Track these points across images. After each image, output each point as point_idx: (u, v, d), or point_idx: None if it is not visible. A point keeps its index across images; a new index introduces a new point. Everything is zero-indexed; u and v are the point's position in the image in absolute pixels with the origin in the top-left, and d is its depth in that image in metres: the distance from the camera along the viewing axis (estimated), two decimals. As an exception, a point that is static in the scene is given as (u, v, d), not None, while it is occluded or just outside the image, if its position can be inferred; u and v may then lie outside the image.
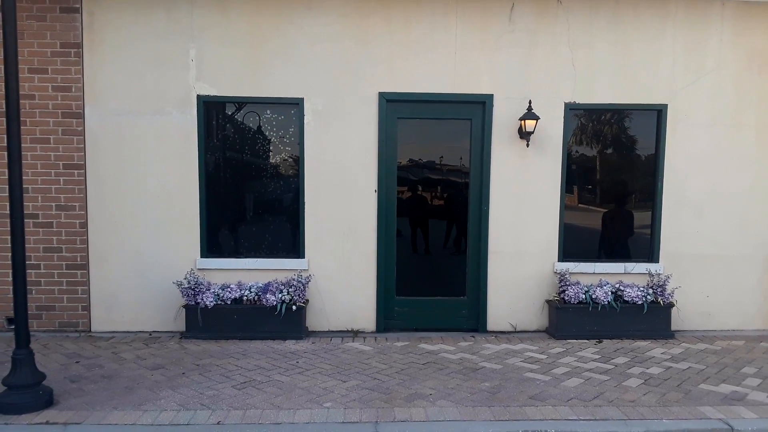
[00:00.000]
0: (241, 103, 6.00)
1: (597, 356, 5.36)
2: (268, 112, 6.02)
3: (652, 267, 6.20)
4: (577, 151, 6.28)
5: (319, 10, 5.82)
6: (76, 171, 5.79)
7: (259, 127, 6.09)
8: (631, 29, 6.01)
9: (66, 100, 5.71)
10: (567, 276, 6.02)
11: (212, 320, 5.71)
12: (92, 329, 5.99)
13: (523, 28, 5.96)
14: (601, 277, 6.20)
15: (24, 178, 5.60)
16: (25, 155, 5.66)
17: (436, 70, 5.95)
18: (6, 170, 4.56)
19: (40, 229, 5.81)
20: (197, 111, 5.86)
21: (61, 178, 5.78)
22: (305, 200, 6.03)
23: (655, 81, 6.08)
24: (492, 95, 6.02)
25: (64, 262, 5.85)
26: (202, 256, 5.99)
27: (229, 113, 6.07)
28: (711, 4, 6.00)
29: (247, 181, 6.11)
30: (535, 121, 5.90)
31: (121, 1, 5.72)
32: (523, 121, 5.93)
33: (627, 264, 6.23)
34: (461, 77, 5.98)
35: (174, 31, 5.78)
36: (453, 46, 5.94)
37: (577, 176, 6.30)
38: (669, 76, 6.08)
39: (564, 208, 6.20)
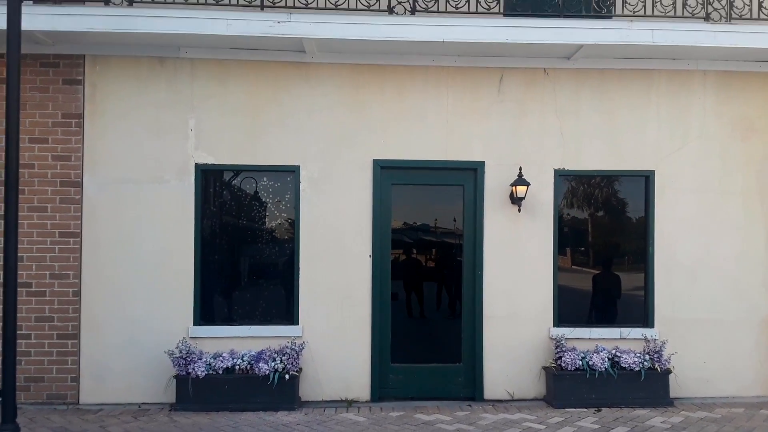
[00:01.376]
0: (238, 170, 6.11)
1: (596, 426, 5.26)
2: (265, 179, 6.13)
3: (647, 332, 6.16)
4: (568, 214, 6.38)
5: (315, 81, 6.02)
6: (71, 239, 5.80)
7: (256, 193, 6.18)
8: (616, 98, 6.22)
9: (65, 169, 5.79)
10: (563, 342, 5.97)
11: (203, 391, 5.59)
12: (80, 401, 5.83)
13: (512, 98, 6.16)
14: (597, 342, 6.15)
15: (19, 246, 5.59)
16: (21, 224, 5.62)
17: (429, 137, 6.11)
18: (2, 239, 4.59)
19: (33, 298, 5.76)
20: (195, 179, 5.95)
21: (56, 246, 5.79)
22: (300, 265, 6.04)
23: (642, 148, 6.24)
24: (483, 162, 6.16)
25: (55, 332, 5.77)
26: (194, 324, 5.93)
27: (227, 180, 6.17)
28: (692, 74, 6.24)
29: (243, 246, 6.14)
30: (525, 187, 6.02)
31: (124, 73, 5.91)
32: (514, 187, 6.05)
33: (622, 329, 6.19)
34: (453, 145, 6.13)
35: (174, 101, 5.94)
36: (445, 115, 6.12)
37: (569, 238, 6.37)
38: (655, 142, 6.25)
39: (558, 270, 6.22)
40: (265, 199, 6.16)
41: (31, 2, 5.24)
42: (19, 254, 5.58)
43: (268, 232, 6.17)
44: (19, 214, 5.56)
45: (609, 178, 6.34)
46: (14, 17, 4.31)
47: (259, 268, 6.17)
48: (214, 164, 5.98)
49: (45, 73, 5.76)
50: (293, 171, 6.05)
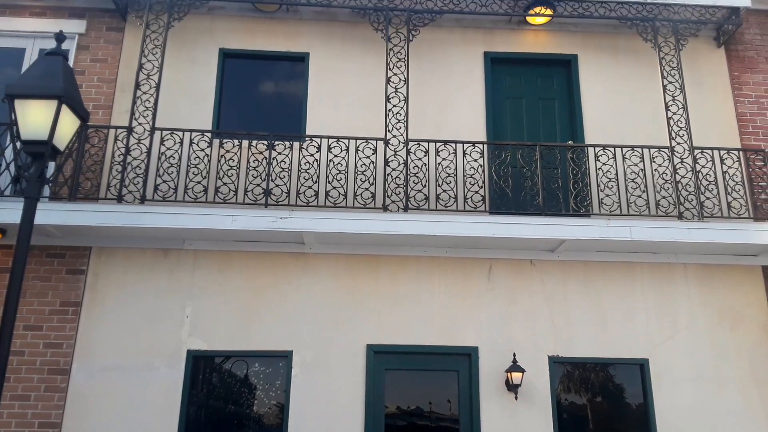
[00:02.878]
0: (230, 355, 6.06)
1: None
2: (257, 364, 6.07)
3: None
4: (566, 399, 6.23)
5: (312, 270, 6.24)
6: (50, 430, 5.56)
7: (246, 377, 6.07)
8: (602, 288, 6.40)
9: (55, 356, 5.73)
10: None
11: None
12: None
13: (502, 286, 6.34)
14: None
15: (-6, 438, 5.37)
16: (0, 413, 5.49)
17: (422, 323, 6.18)
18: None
19: (-3, 498, 5.38)
20: (186, 365, 5.88)
21: (33, 438, 5.54)
22: (288, 458, 5.74)
23: (633, 336, 6.29)
24: (477, 347, 6.16)
25: None
26: None
27: (217, 364, 6.09)
28: (674, 266, 6.50)
29: (229, 433, 5.89)
30: (521, 373, 5.96)
31: (127, 264, 6.11)
32: (509, 374, 5.99)
33: None
34: (446, 330, 6.18)
35: (174, 289, 6.07)
36: (437, 302, 6.25)
37: (570, 425, 6.14)
38: (645, 331, 6.31)
39: (560, 462, 5.93)
40: (255, 384, 6.03)
41: (47, 199, 5.58)
42: (-7, 448, 5.35)
43: (255, 420, 5.94)
44: (1, 403, 5.44)
45: (604, 365, 6.31)
46: (28, 216, 4.50)
47: (243, 460, 5.85)
48: (206, 350, 5.95)
49: (50, 263, 5.95)
50: (286, 356, 6.01)
